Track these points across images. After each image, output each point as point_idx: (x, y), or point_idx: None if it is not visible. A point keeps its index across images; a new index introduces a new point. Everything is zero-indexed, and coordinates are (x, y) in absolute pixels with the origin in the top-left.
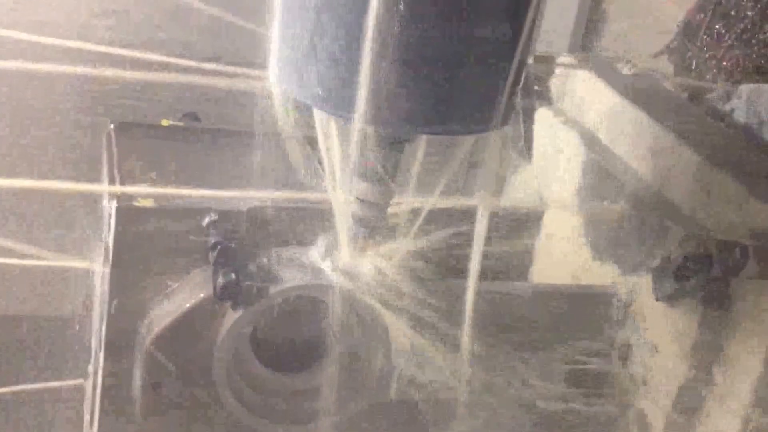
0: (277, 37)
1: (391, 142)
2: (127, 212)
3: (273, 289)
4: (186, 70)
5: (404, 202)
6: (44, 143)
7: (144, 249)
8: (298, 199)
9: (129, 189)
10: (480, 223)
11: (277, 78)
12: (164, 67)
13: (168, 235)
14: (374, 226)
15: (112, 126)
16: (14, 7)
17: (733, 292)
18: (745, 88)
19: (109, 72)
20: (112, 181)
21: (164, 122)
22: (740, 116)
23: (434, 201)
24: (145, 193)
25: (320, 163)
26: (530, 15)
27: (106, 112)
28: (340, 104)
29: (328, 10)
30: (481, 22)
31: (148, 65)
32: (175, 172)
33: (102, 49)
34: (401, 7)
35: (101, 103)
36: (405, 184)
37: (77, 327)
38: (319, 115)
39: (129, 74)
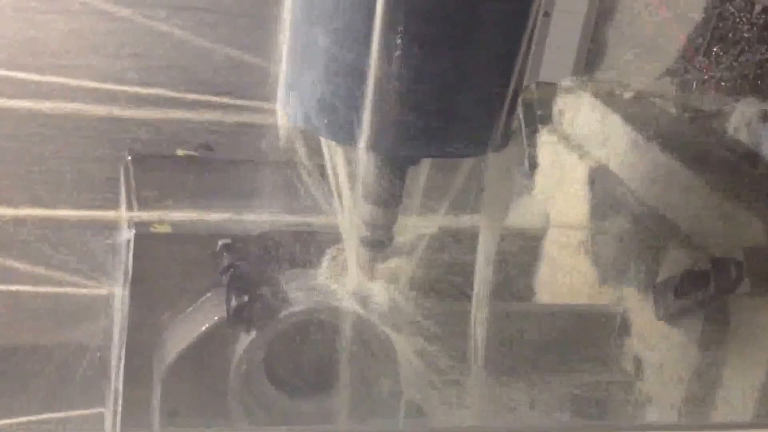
0: (284, 71)
1: (395, 166)
2: (145, 238)
3: (285, 312)
4: (201, 104)
5: (410, 223)
6: (66, 176)
7: (161, 273)
8: (308, 222)
9: (147, 215)
10: (484, 243)
11: (285, 110)
12: (180, 103)
13: (184, 259)
14: (381, 247)
15: (129, 158)
16: (33, 53)
17: (730, 308)
18: (742, 108)
19: (127, 110)
20: (129, 210)
21: (179, 152)
22: (738, 135)
23: (439, 222)
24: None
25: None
26: (525, 43)
27: (125, 146)
28: (345, 132)
29: (333, 44)
30: (477, 50)
31: (165, 101)
32: (191, 201)
33: (121, 88)
34: (401, 37)
35: (121, 138)
36: (410, 206)
37: (98, 354)
38: (325, 142)
39: (149, 112)
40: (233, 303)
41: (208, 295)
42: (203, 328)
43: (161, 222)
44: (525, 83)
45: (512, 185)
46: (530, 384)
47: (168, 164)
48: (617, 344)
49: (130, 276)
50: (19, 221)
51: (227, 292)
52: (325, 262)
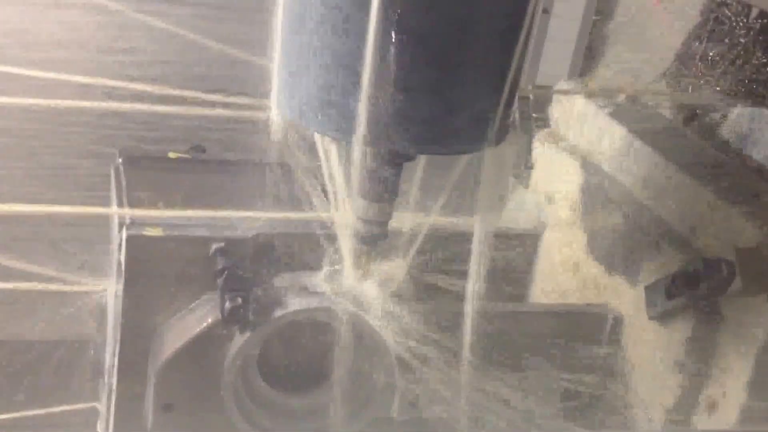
0: (278, 67)
1: (389, 162)
2: (137, 241)
3: (278, 313)
4: (194, 101)
5: (404, 219)
6: (57, 172)
7: (154, 276)
8: (301, 224)
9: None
10: (478, 242)
11: (279, 106)
12: (172, 99)
13: (177, 262)
14: (375, 243)
15: (120, 159)
16: (24, 46)
17: (722, 308)
18: (737, 112)
19: (119, 105)
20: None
21: (171, 154)
22: (732, 138)
23: (434, 219)
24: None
25: (323, 190)
26: (523, 38)
27: (116, 142)
28: (340, 128)
29: (326, 41)
30: (473, 48)
31: (158, 97)
32: (182, 202)
33: (111, 83)
34: (397, 32)
35: (112, 134)
36: (405, 202)
37: (92, 352)
38: (320, 139)
39: (139, 107)
40: (227, 305)
41: (204, 296)
42: (198, 329)
43: (154, 226)
44: (523, 80)
45: (508, 181)
46: (522, 381)
47: (159, 166)
48: (609, 343)
49: (123, 277)
50: (10, 218)
51: (221, 294)
52: (321, 263)
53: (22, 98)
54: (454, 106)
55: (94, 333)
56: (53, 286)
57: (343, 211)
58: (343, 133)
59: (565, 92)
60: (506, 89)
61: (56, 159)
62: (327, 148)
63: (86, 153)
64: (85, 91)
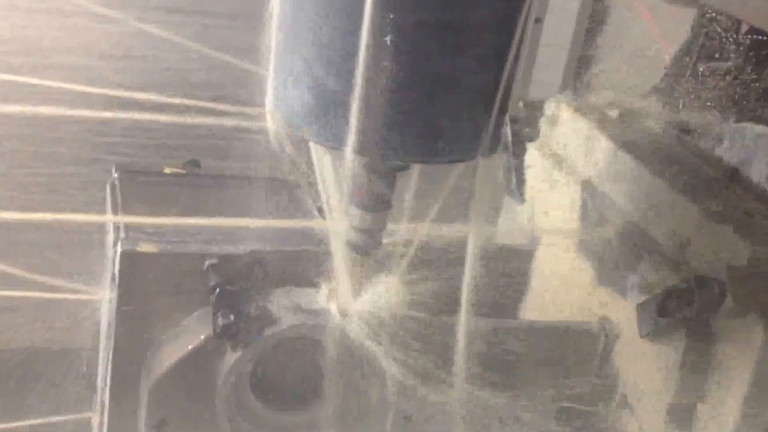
0: (272, 75)
1: (384, 171)
2: (131, 257)
3: (270, 330)
4: (192, 109)
5: (399, 229)
6: (56, 179)
7: (148, 292)
8: (296, 240)
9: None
10: (471, 255)
11: (274, 114)
12: (172, 107)
13: (171, 278)
14: (369, 252)
15: (116, 174)
16: (26, 53)
17: (714, 327)
18: (728, 128)
19: (120, 113)
20: (116, 227)
21: (166, 170)
22: (723, 155)
23: (428, 229)
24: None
25: (319, 209)
26: (514, 48)
27: (116, 149)
28: (333, 136)
29: (319, 48)
30: (466, 55)
31: (158, 106)
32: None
33: (112, 91)
34: (390, 42)
35: (112, 141)
36: (399, 212)
37: (85, 367)
38: (315, 147)
39: (139, 115)
40: (220, 322)
41: (196, 313)
42: (191, 346)
43: (148, 241)
44: (515, 90)
45: (501, 191)
46: (514, 399)
47: (155, 180)
48: (601, 361)
49: (116, 293)
50: (7, 225)
51: (214, 311)
52: (315, 280)
53: (23, 106)
54: (445, 116)
55: (88, 343)
56: (50, 295)
57: (337, 221)
58: (336, 142)
59: (557, 105)
60: (498, 99)
61: (55, 166)
62: (321, 157)
63: (86, 161)
64: (85, 98)
